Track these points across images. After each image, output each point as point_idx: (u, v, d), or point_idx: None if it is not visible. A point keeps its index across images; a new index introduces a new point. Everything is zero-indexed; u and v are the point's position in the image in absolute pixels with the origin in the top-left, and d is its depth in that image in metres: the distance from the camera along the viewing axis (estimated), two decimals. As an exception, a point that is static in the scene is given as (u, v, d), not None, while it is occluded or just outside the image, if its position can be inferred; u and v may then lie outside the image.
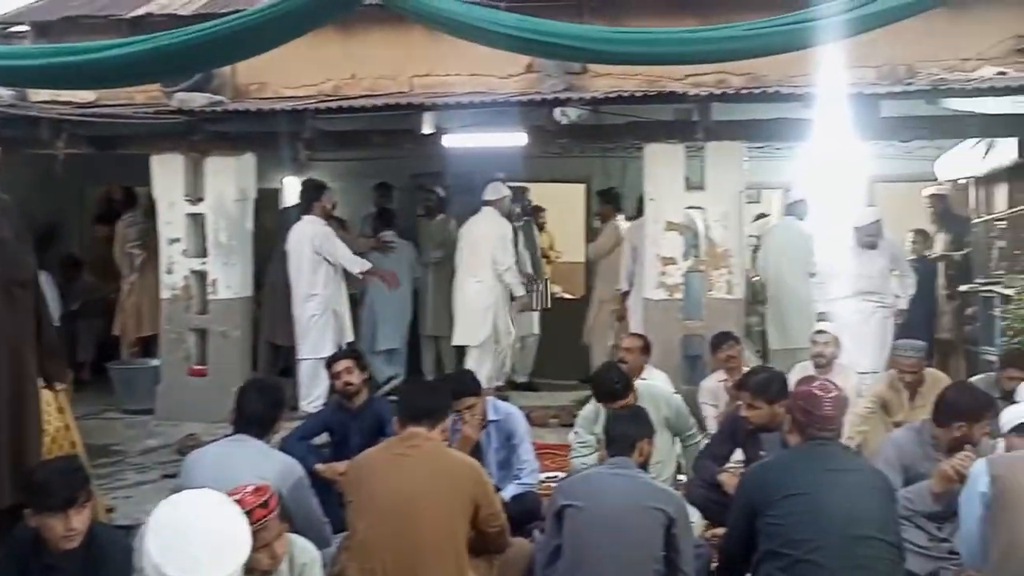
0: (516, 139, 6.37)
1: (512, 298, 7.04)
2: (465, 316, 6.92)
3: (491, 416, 4.37)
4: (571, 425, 6.18)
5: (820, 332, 5.68)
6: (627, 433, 3.17)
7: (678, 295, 6.26)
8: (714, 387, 5.78)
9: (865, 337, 6.16)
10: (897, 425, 4.75)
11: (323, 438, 4.65)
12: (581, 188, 9.03)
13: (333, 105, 6.24)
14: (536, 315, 8.11)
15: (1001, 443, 3.41)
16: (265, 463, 3.20)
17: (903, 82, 6.28)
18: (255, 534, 2.47)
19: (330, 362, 4.66)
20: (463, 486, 3.05)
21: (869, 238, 6.37)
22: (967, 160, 7.37)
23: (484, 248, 6.85)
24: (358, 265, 6.65)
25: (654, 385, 5.03)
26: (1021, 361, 5.00)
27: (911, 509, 3.90)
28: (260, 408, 3.41)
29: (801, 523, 2.76)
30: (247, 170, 6.96)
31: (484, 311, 6.85)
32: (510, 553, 3.32)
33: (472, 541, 3.13)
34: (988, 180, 7.32)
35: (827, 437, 2.97)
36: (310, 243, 6.54)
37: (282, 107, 6.27)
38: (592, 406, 4.72)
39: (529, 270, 7.73)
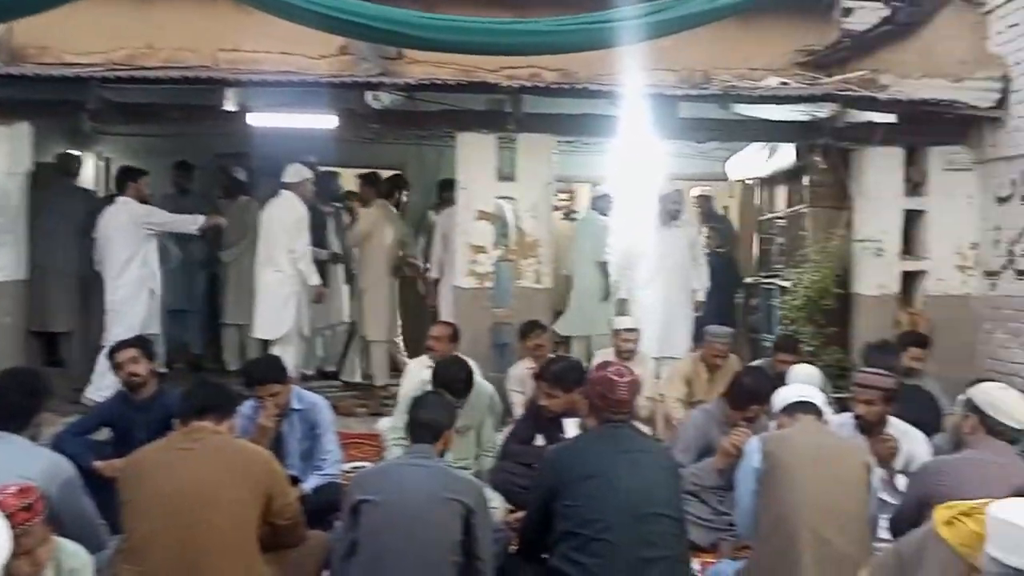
0: (326, 122, 6.15)
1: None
2: (265, 307, 6.55)
3: (295, 405, 4.22)
4: (380, 414, 6.13)
5: (628, 330, 5.89)
6: (433, 421, 3.11)
7: (488, 284, 6.32)
8: (522, 374, 5.90)
9: (671, 322, 6.47)
10: (695, 405, 5.10)
11: (106, 433, 4.30)
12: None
13: (123, 74, 5.74)
14: (346, 303, 7.91)
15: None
16: (29, 461, 2.89)
17: (699, 87, 6.69)
18: (16, 539, 2.24)
19: (113, 351, 4.31)
20: (254, 477, 2.90)
21: (673, 206, 6.60)
22: (753, 162, 7.97)
23: (281, 234, 6.52)
24: (193, 222, 6.66)
25: (479, 379, 5.02)
26: (790, 346, 5.53)
27: (698, 484, 4.17)
28: (16, 399, 3.12)
29: (595, 504, 2.86)
30: (21, 141, 6.29)
31: (284, 302, 6.47)
32: (305, 546, 3.20)
33: (265, 536, 3.00)
34: (771, 181, 7.95)
35: (621, 420, 3.09)
36: (130, 223, 6.35)
37: (63, 73, 5.71)
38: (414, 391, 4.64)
39: (333, 253, 7.53)
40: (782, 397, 3.38)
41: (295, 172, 6.64)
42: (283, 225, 6.47)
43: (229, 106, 5.88)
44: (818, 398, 3.32)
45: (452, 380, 4.31)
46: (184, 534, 2.73)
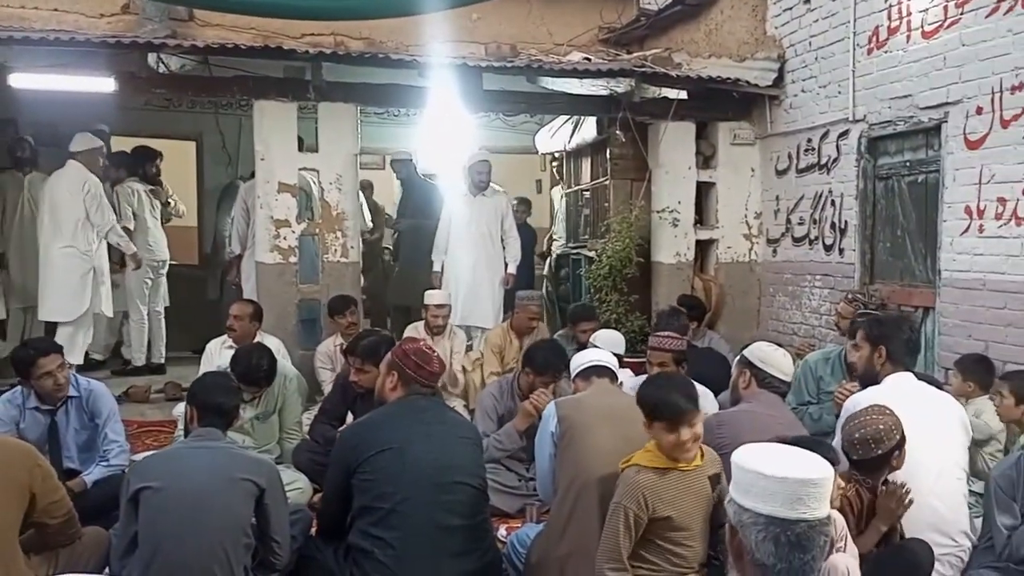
0: (103, 85, 5.62)
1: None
2: (54, 288, 6.02)
3: (70, 393, 3.86)
4: (179, 399, 5.77)
5: (440, 306, 5.86)
6: (223, 404, 2.94)
7: (293, 259, 6.09)
8: (330, 350, 5.76)
9: (477, 291, 6.53)
10: (508, 372, 5.18)
11: None
12: (192, 145, 8.39)
13: None
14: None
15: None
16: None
17: (506, 60, 6.73)
18: None
19: None
20: (14, 475, 2.62)
21: (479, 177, 6.65)
22: (560, 136, 8.16)
23: (70, 208, 6.01)
24: None
25: (282, 361, 4.81)
26: (589, 315, 5.75)
27: (502, 449, 4.23)
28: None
29: (391, 476, 2.81)
30: None
31: (81, 280, 6.06)
32: (80, 544, 2.94)
33: (31, 537, 2.72)
34: (576, 154, 8.17)
35: (430, 391, 3.06)
36: None
37: None
38: None
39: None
40: (577, 363, 3.47)
41: (82, 141, 6.09)
42: (72, 198, 5.94)
43: (-13, 65, 5.26)
44: (611, 361, 3.43)
45: (253, 369, 4.13)
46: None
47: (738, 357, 3.44)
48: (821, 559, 1.52)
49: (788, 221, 6.65)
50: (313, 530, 3.23)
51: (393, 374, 3.06)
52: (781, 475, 1.50)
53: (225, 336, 5.38)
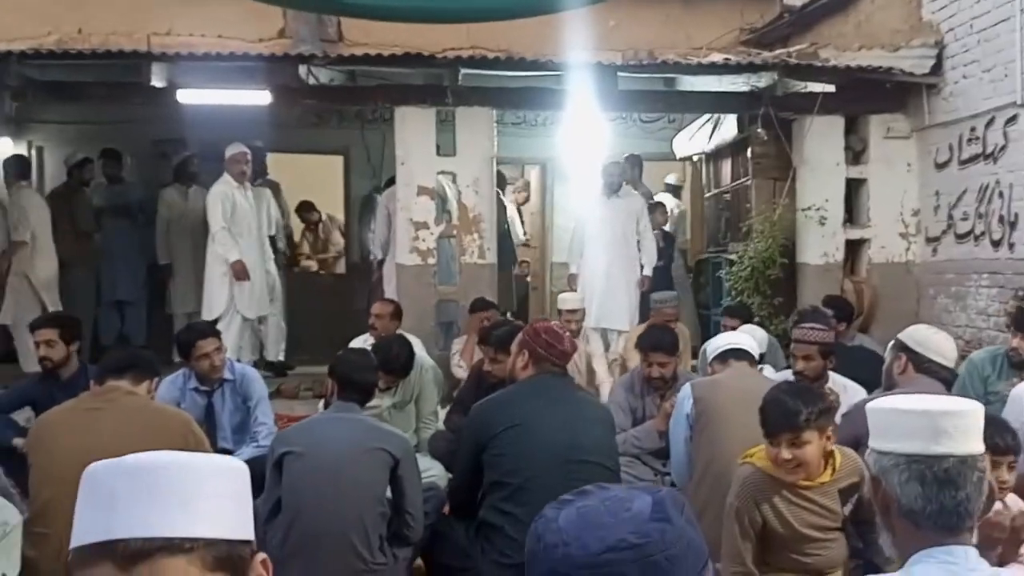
0: (259, 98, 5.99)
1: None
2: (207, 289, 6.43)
3: (226, 376, 4.09)
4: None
5: (572, 311, 5.77)
6: (361, 379, 3.03)
7: (431, 260, 6.22)
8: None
9: (613, 293, 6.43)
10: None
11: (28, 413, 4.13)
12: (339, 160, 8.78)
13: (44, 50, 5.54)
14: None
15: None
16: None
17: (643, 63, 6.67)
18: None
19: (32, 328, 4.14)
20: (169, 438, 2.77)
21: (611, 178, 6.52)
22: (698, 139, 7.97)
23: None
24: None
25: (420, 352, 4.92)
26: (739, 312, 5.53)
27: (639, 447, 4.13)
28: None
29: (521, 452, 2.79)
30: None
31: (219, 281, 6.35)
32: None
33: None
34: (716, 156, 7.96)
35: (560, 371, 3.03)
36: None
37: (-20, 49, 5.50)
38: None
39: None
40: (714, 346, 3.34)
41: (228, 149, 6.45)
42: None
43: (156, 82, 5.70)
44: (750, 344, 3.28)
45: (392, 359, 4.23)
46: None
47: (892, 342, 3.20)
48: (978, 500, 1.35)
49: (950, 217, 6.19)
50: (446, 509, 3.25)
51: (524, 353, 3.05)
52: (921, 408, 1.37)
53: (367, 334, 5.54)
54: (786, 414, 2.33)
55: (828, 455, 2.39)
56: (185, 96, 5.93)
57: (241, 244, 6.26)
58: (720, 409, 2.89)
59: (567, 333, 3.09)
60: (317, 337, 7.66)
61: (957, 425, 1.35)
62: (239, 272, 6.16)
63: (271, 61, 5.71)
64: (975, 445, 1.36)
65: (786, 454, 2.33)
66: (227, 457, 0.98)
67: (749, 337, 3.40)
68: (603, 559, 0.85)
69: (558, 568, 0.88)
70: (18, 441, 3.65)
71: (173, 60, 5.69)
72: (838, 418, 3.76)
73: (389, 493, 2.88)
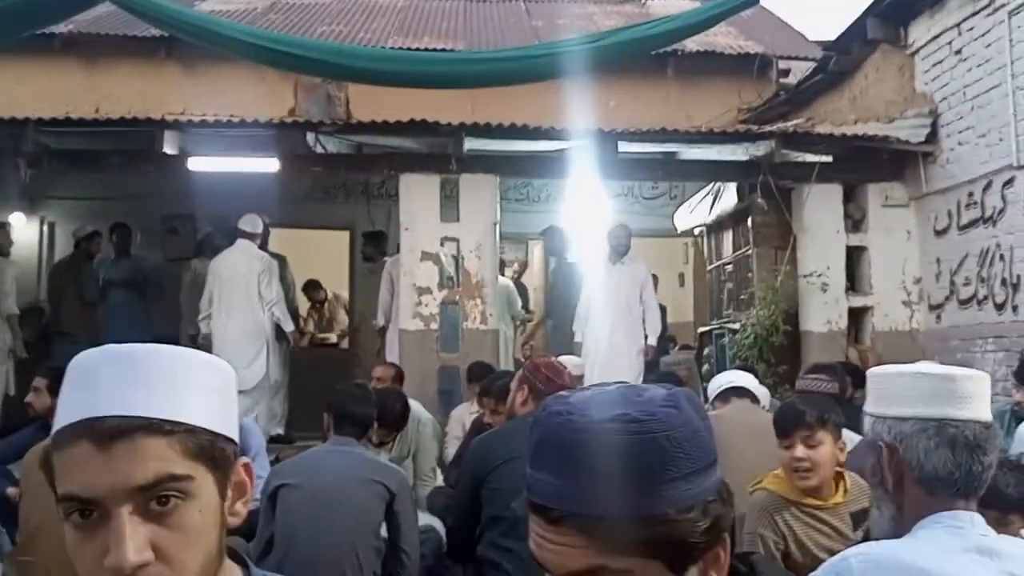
0: (268, 165, 6.11)
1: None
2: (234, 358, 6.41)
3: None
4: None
5: (575, 377, 5.73)
6: (357, 413, 3.00)
7: (434, 325, 6.22)
8: (462, 416, 5.71)
9: (615, 359, 6.38)
10: None
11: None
12: (346, 234, 8.89)
13: (60, 117, 5.71)
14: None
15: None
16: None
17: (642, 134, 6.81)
18: None
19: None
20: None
21: (617, 243, 6.58)
22: (699, 211, 8.07)
23: (247, 282, 6.45)
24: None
25: (417, 406, 4.89)
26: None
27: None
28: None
29: (519, 485, 2.71)
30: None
31: (256, 354, 6.46)
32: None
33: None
34: (716, 228, 8.03)
35: None
36: None
37: (-1, 116, 5.66)
38: None
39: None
40: (716, 384, 3.31)
41: (253, 222, 6.59)
42: (250, 272, 6.40)
43: (168, 149, 5.84)
44: (751, 382, 3.25)
45: (387, 411, 4.18)
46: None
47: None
48: (993, 471, 1.33)
49: (952, 283, 6.19)
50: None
51: (524, 388, 3.02)
52: (942, 372, 1.35)
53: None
54: (800, 413, 2.36)
55: (839, 476, 2.35)
56: (196, 164, 6.06)
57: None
58: (723, 442, 2.80)
59: (567, 368, 3.06)
60: (318, 411, 7.59)
61: (977, 390, 1.35)
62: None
63: (280, 128, 5.85)
64: (989, 415, 1.36)
65: (799, 452, 2.31)
66: (214, 356, 0.97)
67: (750, 376, 3.36)
68: (603, 427, 0.83)
69: (556, 433, 0.86)
70: (12, 491, 3.58)
71: (186, 128, 5.83)
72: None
73: (384, 531, 2.81)
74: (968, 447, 1.32)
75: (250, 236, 6.60)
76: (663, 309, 8.42)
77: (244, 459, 0.95)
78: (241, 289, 6.46)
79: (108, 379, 0.87)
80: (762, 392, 4.57)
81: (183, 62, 8.53)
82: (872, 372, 1.43)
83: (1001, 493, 2.05)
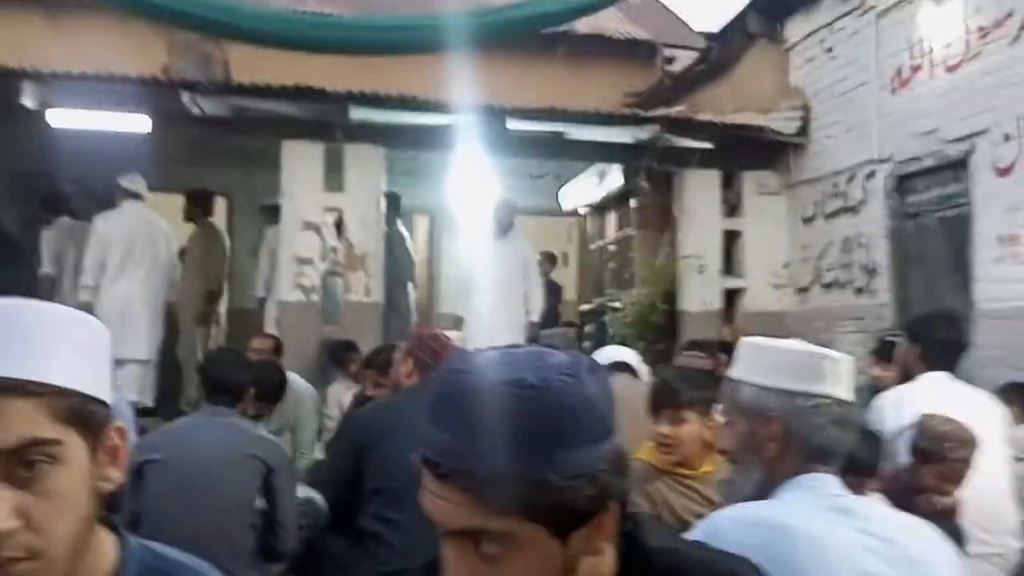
0: (139, 124, 5.76)
1: None
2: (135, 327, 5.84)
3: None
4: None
5: None
6: (228, 378, 2.87)
7: (315, 297, 6.06)
8: (339, 396, 5.56)
9: (500, 335, 6.36)
10: None
11: None
12: (223, 201, 8.52)
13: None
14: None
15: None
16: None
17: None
18: None
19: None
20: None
21: (503, 217, 6.56)
22: (584, 191, 8.20)
23: (151, 247, 5.98)
24: None
25: (296, 377, 4.73)
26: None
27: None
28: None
29: (401, 456, 2.68)
30: None
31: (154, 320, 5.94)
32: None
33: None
34: (600, 208, 8.19)
35: None
36: None
37: None
38: None
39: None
40: (598, 360, 3.36)
41: (136, 180, 6.02)
42: (154, 237, 5.95)
43: (27, 102, 5.42)
44: (632, 358, 3.33)
45: (264, 382, 4.03)
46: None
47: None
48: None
49: (816, 268, 6.54)
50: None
51: (409, 361, 2.99)
52: (838, 356, 1.46)
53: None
54: (670, 391, 2.38)
55: (709, 446, 2.42)
56: (57, 119, 5.64)
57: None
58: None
59: (451, 340, 3.05)
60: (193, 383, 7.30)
61: (848, 371, 1.46)
62: None
63: (152, 86, 5.53)
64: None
65: (664, 429, 2.35)
66: (85, 313, 0.89)
67: (631, 351, 3.44)
68: (497, 389, 0.83)
69: (452, 390, 0.86)
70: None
71: (47, 80, 5.42)
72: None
73: (261, 504, 2.72)
74: (845, 423, 1.44)
75: (137, 196, 6.12)
76: (559, 288, 8.54)
77: (118, 423, 0.89)
78: (136, 254, 5.96)
79: None
80: (643, 370, 4.71)
81: (46, 11, 7.94)
82: (748, 342, 1.49)
83: (857, 459, 2.18)
